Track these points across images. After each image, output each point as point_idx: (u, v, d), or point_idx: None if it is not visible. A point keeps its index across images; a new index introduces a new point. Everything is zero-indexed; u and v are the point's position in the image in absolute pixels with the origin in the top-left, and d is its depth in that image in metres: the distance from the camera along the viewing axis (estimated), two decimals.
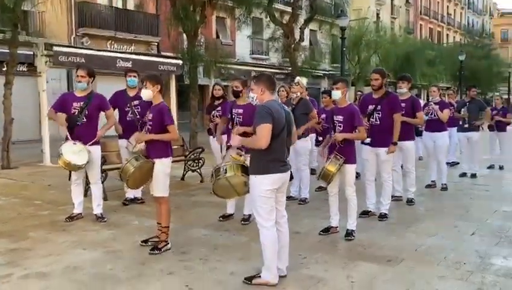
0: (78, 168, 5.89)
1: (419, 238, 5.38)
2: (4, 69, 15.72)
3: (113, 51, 16.83)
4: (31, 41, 11.87)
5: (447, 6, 56.86)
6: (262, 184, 3.88)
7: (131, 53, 14.66)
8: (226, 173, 4.27)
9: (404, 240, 5.33)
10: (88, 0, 19.97)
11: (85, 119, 5.90)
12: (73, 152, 5.75)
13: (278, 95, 7.62)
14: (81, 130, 5.87)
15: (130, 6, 21.58)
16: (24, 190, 8.27)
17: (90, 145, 5.88)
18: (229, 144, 5.47)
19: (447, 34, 56.51)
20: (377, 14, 39.79)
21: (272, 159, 3.89)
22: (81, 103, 5.90)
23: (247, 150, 4.98)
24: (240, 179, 4.26)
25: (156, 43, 22.73)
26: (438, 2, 54.42)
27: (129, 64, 12.17)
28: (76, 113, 5.87)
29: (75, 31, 19.94)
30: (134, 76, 6.99)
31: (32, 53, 14.13)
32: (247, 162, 4.20)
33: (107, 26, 20.61)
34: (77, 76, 5.94)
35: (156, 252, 4.79)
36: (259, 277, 4.00)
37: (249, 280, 4.02)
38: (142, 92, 5.02)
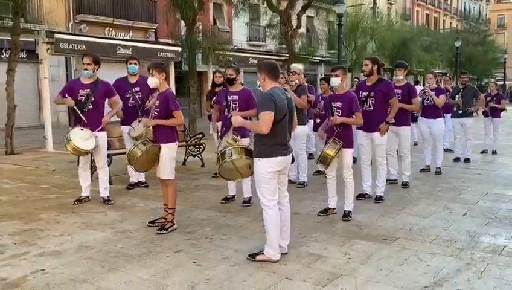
0: (86, 153, 6.12)
1: (413, 219, 5.65)
2: (3, 56, 15.94)
3: (111, 38, 16.94)
4: (32, 28, 12.03)
5: None
6: (266, 166, 4.12)
7: (131, 40, 14.80)
8: (231, 156, 4.49)
9: (398, 220, 5.60)
10: None
11: (91, 106, 6.11)
12: (81, 138, 5.97)
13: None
14: (88, 116, 6.08)
15: None
16: (30, 175, 8.49)
17: (96, 131, 6.09)
18: (223, 131, 5.78)
19: (444, 20, 56.54)
20: (374, 0, 39.79)
21: (274, 143, 4.13)
22: (88, 90, 6.10)
23: (242, 135, 5.38)
24: (245, 161, 4.48)
25: (154, 30, 22.80)
26: None
27: (129, 52, 12.33)
28: (83, 100, 6.08)
29: (73, 17, 19.98)
30: (135, 63, 7.17)
31: (32, 40, 14.30)
32: (251, 146, 4.43)
33: (105, 13, 20.66)
34: (83, 63, 6.13)
35: (163, 232, 5.04)
36: (263, 253, 4.26)
37: (252, 256, 4.27)
38: (149, 80, 5.22)
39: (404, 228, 5.27)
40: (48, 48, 11.01)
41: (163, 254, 4.44)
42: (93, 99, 6.09)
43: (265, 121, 4.01)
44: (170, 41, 19.14)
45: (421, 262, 4.28)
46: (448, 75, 13.47)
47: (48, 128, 11.49)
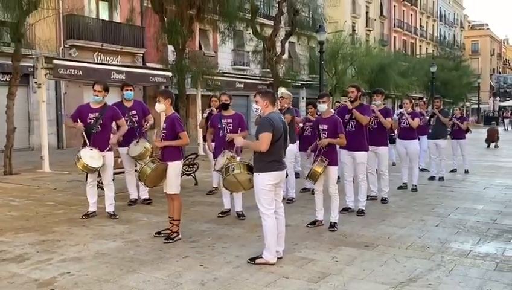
0: (94, 171, 6.69)
1: (392, 229, 6.34)
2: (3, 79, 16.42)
3: (103, 63, 17.51)
4: (24, 53, 12.50)
5: (420, 19, 59.04)
6: (264, 180, 4.79)
7: (123, 66, 15.37)
8: (234, 170, 5.13)
9: (378, 230, 6.27)
10: (76, 13, 20.59)
11: (100, 128, 6.71)
12: (90, 157, 6.55)
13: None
14: (97, 137, 6.67)
15: (116, 18, 22.27)
16: (33, 193, 8.96)
17: (104, 151, 6.68)
18: (217, 150, 6.51)
19: (420, 46, 58.63)
20: (353, 27, 41.30)
21: (272, 160, 4.82)
22: (97, 114, 6.71)
23: (238, 154, 6.22)
24: (246, 176, 5.12)
25: (142, 54, 23.46)
26: (411, 15, 56.51)
27: (123, 76, 12.96)
28: (92, 122, 6.68)
29: (63, 42, 20.53)
30: (131, 89, 7.79)
31: (23, 64, 14.80)
32: (251, 162, 5.09)
33: (94, 38, 21.25)
34: (94, 90, 6.74)
35: (170, 241, 5.62)
36: (261, 257, 4.87)
37: (252, 260, 4.88)
38: (156, 106, 5.85)
39: (383, 237, 5.94)
40: (47, 73, 11.56)
41: (173, 259, 5.02)
42: (101, 122, 6.69)
43: (264, 140, 4.70)
44: (158, 66, 19.84)
45: (398, 264, 4.94)
46: (424, 100, 14.39)
47: (45, 149, 11.94)
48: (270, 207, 4.85)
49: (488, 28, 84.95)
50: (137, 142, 7.43)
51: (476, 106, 58.56)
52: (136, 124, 7.63)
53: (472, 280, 4.49)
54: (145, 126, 7.73)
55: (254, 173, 4.89)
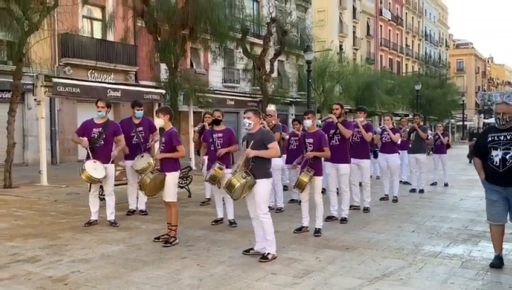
0: (97, 182, 7.22)
1: (371, 234, 6.92)
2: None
3: (98, 81, 18.06)
4: (24, 72, 13.03)
5: (406, 38, 60.53)
6: (268, 184, 5.60)
7: (120, 84, 15.95)
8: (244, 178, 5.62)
9: (359, 236, 6.85)
10: (70, 32, 21.17)
11: (103, 142, 7.26)
12: (94, 168, 7.08)
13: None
14: (100, 151, 7.22)
15: (110, 37, 22.90)
16: (35, 205, 9.43)
17: (106, 163, 7.22)
18: (209, 162, 7.25)
19: (406, 64, 60.04)
20: (340, 46, 42.34)
21: (269, 167, 5.66)
22: (100, 129, 7.27)
23: (227, 166, 7.11)
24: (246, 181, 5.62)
25: (134, 72, 24.06)
26: (397, 34, 57.96)
27: (118, 94, 13.54)
28: (96, 137, 7.23)
29: (58, 60, 21.07)
30: (141, 109, 8.34)
31: (21, 82, 15.32)
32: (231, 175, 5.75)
33: (88, 56, 21.82)
34: (97, 106, 7.31)
35: (168, 245, 6.15)
36: (268, 254, 5.51)
37: (247, 251, 5.75)
38: (156, 121, 6.45)
39: (363, 241, 6.53)
40: (46, 91, 12.09)
41: (172, 260, 5.55)
42: (104, 136, 7.25)
43: (277, 148, 5.57)
44: (150, 83, 20.44)
45: (375, 263, 5.52)
46: (405, 119, 15.02)
47: (43, 163, 12.40)
48: (268, 208, 5.67)
49: (472, 47, 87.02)
50: (142, 156, 7.94)
51: (461, 123, 59.76)
52: (142, 140, 8.16)
53: (439, 275, 5.07)
54: (150, 143, 8.27)
55: (260, 179, 5.50)
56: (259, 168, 5.52)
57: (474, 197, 10.69)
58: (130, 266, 5.31)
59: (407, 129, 11.58)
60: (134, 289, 4.58)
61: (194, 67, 27.20)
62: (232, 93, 23.60)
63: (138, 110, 8.24)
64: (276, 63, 23.22)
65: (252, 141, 5.50)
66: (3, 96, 18.78)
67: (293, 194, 9.65)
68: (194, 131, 9.41)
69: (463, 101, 52.19)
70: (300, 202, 7.45)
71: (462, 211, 8.95)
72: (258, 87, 23.51)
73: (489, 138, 5.31)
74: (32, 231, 7.04)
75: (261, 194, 5.54)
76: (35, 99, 12.46)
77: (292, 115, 34.21)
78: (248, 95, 24.45)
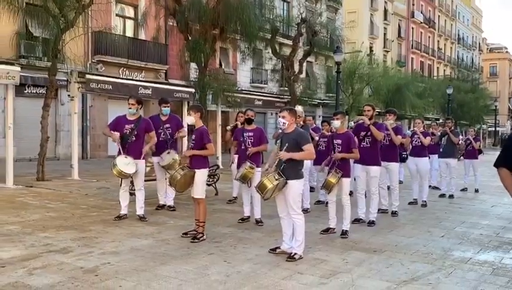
0: (128, 177, 7.35)
1: (399, 238, 6.85)
2: (25, 91, 17.35)
3: (129, 79, 18.37)
4: (58, 68, 13.35)
5: (438, 41, 59.50)
6: (301, 185, 5.63)
7: (150, 81, 16.16)
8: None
9: (387, 239, 6.79)
10: (103, 30, 21.58)
11: (134, 138, 7.39)
12: (125, 163, 7.22)
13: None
14: (131, 146, 7.35)
15: (142, 36, 23.24)
16: (66, 198, 9.66)
17: (137, 159, 7.34)
18: (240, 161, 7.23)
19: (438, 68, 59.01)
20: (370, 48, 41.94)
21: (301, 168, 5.66)
22: (132, 125, 7.40)
23: (257, 165, 7.23)
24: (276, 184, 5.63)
25: (165, 71, 24.37)
26: (429, 37, 57.04)
27: (149, 91, 13.73)
28: (128, 133, 7.36)
29: (91, 57, 21.51)
30: (168, 106, 8.48)
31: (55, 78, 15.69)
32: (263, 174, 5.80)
33: (120, 54, 22.21)
34: (129, 103, 7.44)
35: (196, 241, 6.22)
36: (295, 254, 5.52)
37: (273, 250, 5.78)
38: (187, 118, 6.52)
39: (391, 244, 6.46)
40: (79, 87, 12.36)
41: (200, 256, 5.61)
42: (136, 132, 7.37)
43: (312, 151, 5.61)
44: (179, 82, 20.64)
45: (403, 266, 5.46)
46: (436, 122, 14.86)
47: (75, 158, 12.67)
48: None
49: (507, 51, 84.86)
50: (168, 153, 8.06)
51: (493, 129, 58.44)
52: (169, 137, 8.28)
53: (469, 281, 4.99)
54: (176, 135, 8.38)
55: (292, 180, 5.50)
56: (291, 169, 5.53)
57: (506, 204, 10.43)
58: (159, 260, 5.39)
59: (439, 133, 11.43)
60: (162, 282, 4.65)
61: (223, 67, 27.36)
62: (260, 94, 23.65)
63: (165, 107, 8.36)
64: (304, 64, 23.14)
65: (287, 144, 5.50)
66: (38, 92, 19.23)
67: (320, 196, 9.62)
68: (227, 129, 9.49)
69: (495, 106, 51.06)
70: (327, 203, 7.44)
71: (493, 217, 8.77)
72: (285, 88, 23.50)
73: None
74: (63, 222, 7.22)
75: (293, 195, 5.54)
76: (68, 95, 12.75)
77: (320, 116, 34.05)
78: (276, 96, 24.46)
